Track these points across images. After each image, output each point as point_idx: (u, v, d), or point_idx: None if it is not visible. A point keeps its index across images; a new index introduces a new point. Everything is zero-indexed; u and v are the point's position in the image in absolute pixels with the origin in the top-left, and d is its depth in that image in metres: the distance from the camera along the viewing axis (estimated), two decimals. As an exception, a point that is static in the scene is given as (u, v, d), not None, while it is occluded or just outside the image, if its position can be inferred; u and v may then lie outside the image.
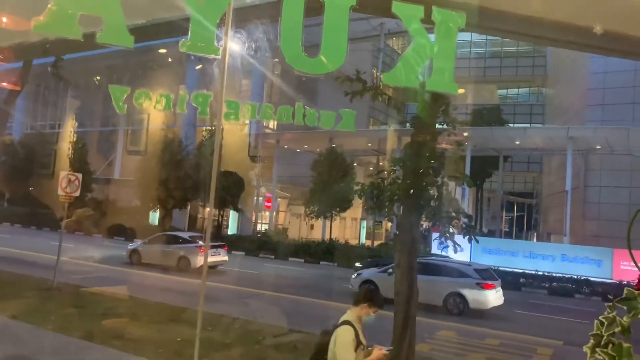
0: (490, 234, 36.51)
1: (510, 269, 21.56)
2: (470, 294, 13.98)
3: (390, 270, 14.97)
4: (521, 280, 20.56)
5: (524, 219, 47.26)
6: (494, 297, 14.13)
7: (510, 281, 20.50)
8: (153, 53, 29.41)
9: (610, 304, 1.40)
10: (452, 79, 1.76)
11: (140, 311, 10.83)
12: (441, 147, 9.06)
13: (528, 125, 40.10)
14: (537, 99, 47.75)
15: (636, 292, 1.37)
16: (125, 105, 1.62)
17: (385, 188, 8.21)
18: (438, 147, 8.30)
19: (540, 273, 21.03)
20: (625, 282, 16.73)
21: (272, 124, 32.15)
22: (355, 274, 16.35)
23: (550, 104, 43.20)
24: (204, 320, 9.71)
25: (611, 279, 20.04)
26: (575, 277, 20.34)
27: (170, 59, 31.99)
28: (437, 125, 8.36)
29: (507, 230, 45.25)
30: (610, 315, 1.37)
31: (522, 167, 45.07)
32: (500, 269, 21.66)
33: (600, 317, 1.38)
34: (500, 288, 14.59)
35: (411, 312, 7.92)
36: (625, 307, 1.35)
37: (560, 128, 28.71)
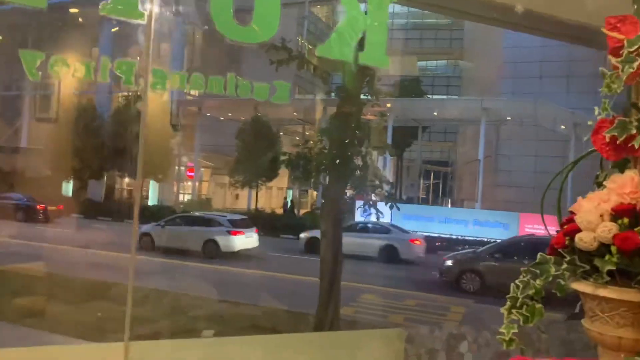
0: (409, 200, 37.87)
1: (428, 233, 22.64)
2: (221, 240, 16.54)
3: (163, 223, 17.65)
4: (437, 244, 21.72)
5: (440, 186, 49.31)
6: (241, 242, 16.73)
7: (427, 245, 21.61)
8: (63, 12, 27.15)
9: (525, 268, 1.49)
10: (385, 52, 1.78)
11: None
12: (365, 117, 9.22)
13: (445, 96, 41.58)
14: (454, 71, 49.43)
15: (548, 256, 1.48)
16: (40, 73, 1.49)
17: (312, 158, 8.28)
18: (362, 118, 8.45)
19: (454, 237, 22.29)
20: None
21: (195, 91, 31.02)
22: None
23: (467, 76, 44.93)
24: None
25: (517, 241, 21.54)
26: (485, 239, 21.71)
27: (81, 19, 29.71)
28: (362, 96, 8.49)
29: (425, 197, 47.08)
30: (525, 279, 1.47)
31: (439, 137, 46.80)
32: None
33: (515, 281, 1.48)
34: (253, 234, 17.20)
35: (336, 279, 8.15)
36: (538, 271, 1.46)
37: (475, 100, 30.05)
